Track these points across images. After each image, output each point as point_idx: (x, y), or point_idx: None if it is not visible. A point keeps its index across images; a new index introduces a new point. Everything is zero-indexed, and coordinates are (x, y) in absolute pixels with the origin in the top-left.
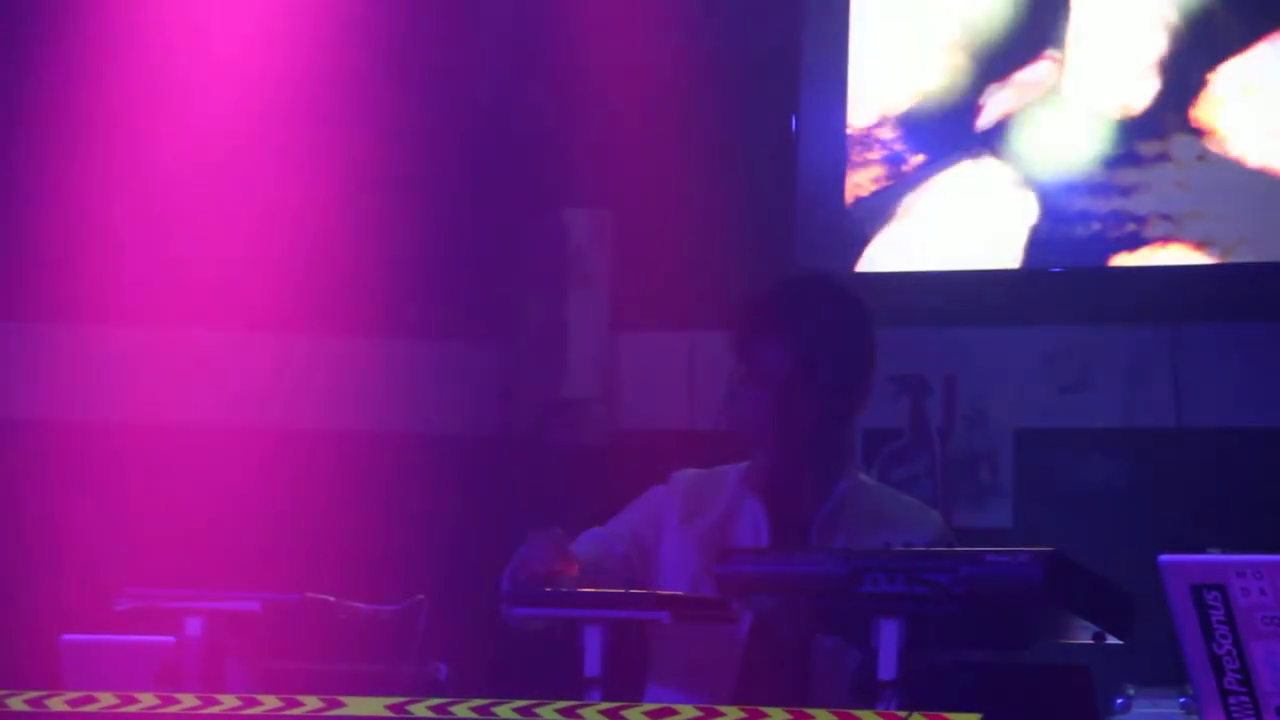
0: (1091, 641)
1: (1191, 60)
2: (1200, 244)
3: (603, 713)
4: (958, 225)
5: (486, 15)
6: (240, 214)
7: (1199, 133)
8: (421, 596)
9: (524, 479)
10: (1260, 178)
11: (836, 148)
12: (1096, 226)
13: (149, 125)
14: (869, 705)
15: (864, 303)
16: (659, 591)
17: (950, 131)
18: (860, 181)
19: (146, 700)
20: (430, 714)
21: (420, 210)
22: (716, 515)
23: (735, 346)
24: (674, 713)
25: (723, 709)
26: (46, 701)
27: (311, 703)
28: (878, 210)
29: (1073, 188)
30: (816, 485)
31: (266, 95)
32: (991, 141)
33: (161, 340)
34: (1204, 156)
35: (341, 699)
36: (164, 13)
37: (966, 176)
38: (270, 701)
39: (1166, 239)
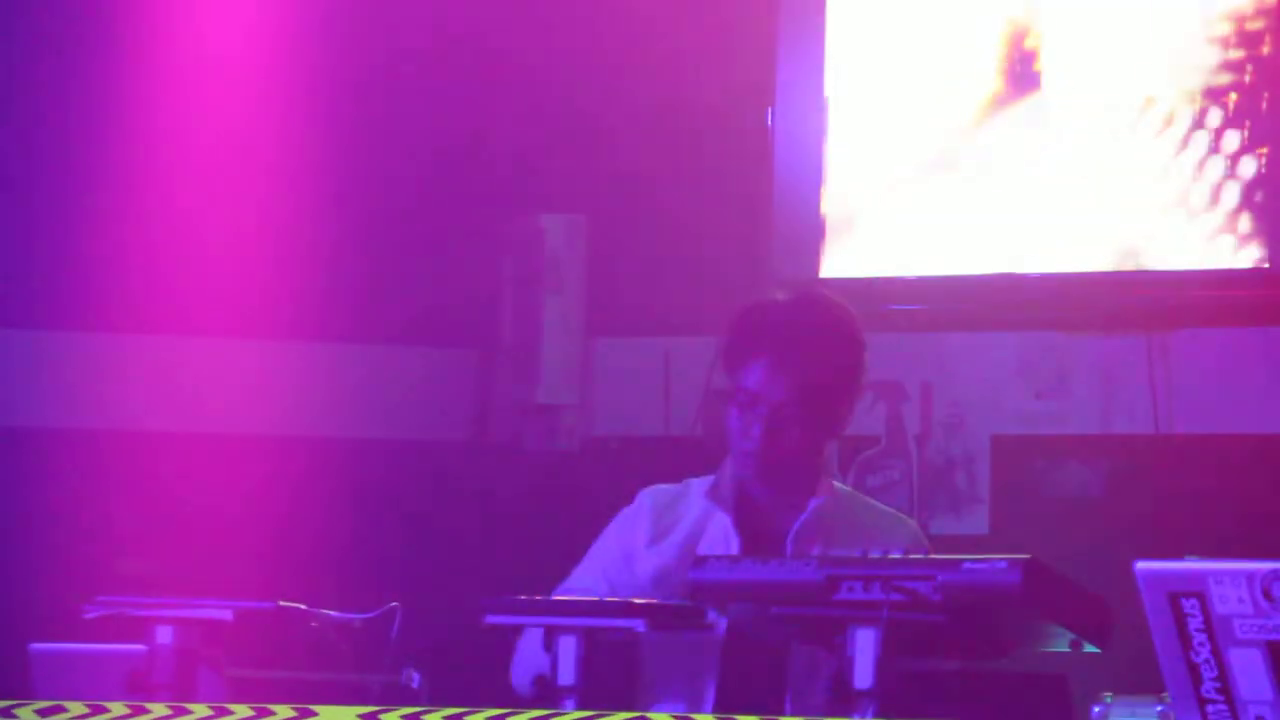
0: (1069, 649)
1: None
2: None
3: None
4: (935, 229)
5: (463, 21)
6: (217, 221)
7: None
8: (394, 604)
9: (499, 485)
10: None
11: (813, 150)
12: (1075, 233)
13: (130, 132)
14: (845, 713)
15: (856, 321)
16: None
17: (929, 134)
18: (837, 184)
19: (117, 710)
20: None
21: (395, 216)
22: (685, 532)
23: (723, 361)
24: None
25: (698, 717)
26: (16, 711)
27: (283, 711)
28: (855, 214)
29: (1051, 193)
30: (791, 501)
31: (249, 103)
32: (970, 144)
33: (135, 347)
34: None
35: (314, 708)
36: (140, 16)
37: (945, 180)
38: (242, 710)
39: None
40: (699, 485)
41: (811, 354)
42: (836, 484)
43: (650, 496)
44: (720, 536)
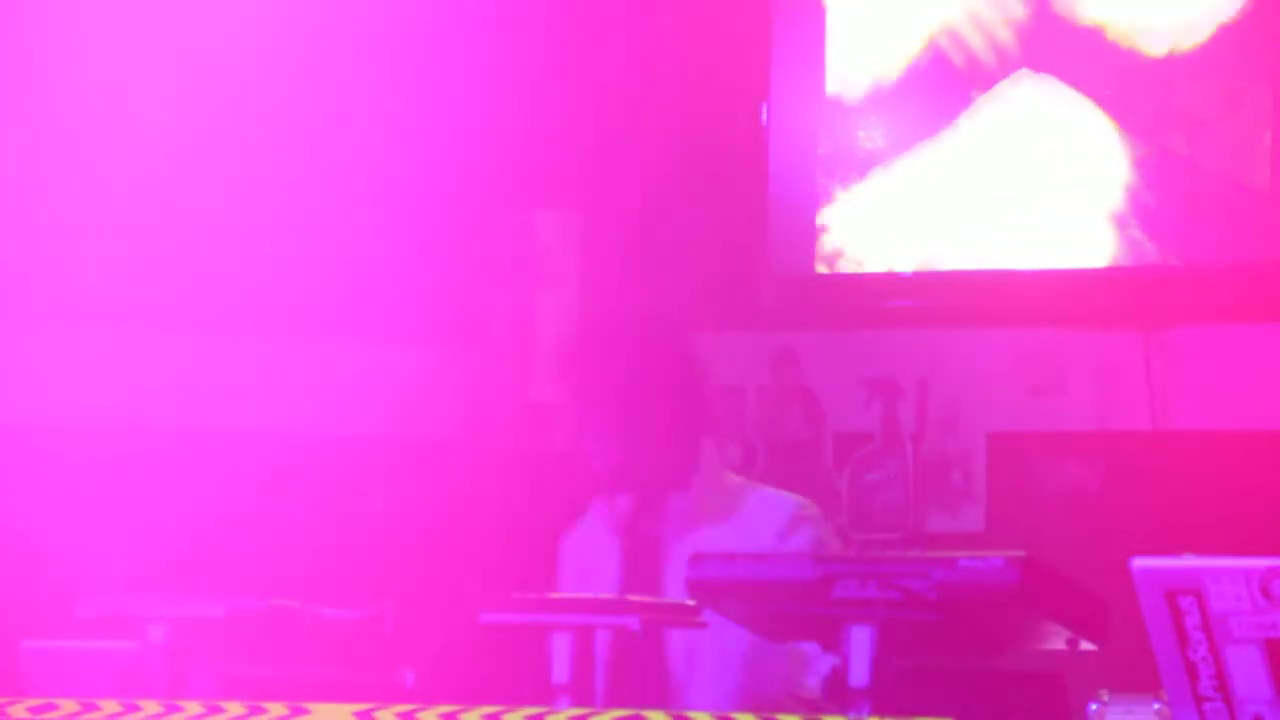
0: (1065, 647)
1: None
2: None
3: (570, 718)
4: (931, 225)
5: (455, 18)
6: (204, 217)
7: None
8: (388, 602)
9: (492, 483)
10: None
11: (808, 146)
12: (1071, 227)
13: (109, 125)
14: (841, 711)
15: (674, 325)
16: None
17: (925, 130)
18: (832, 181)
19: (109, 707)
20: None
21: (387, 213)
22: (585, 563)
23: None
24: (642, 718)
25: (692, 714)
26: (8, 709)
27: (276, 709)
28: (850, 210)
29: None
30: (662, 504)
31: (241, 101)
32: (967, 140)
33: (125, 343)
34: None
35: (307, 706)
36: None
37: (941, 176)
38: (234, 708)
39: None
40: (593, 511)
41: (638, 374)
42: (728, 476)
43: (566, 545)
44: (609, 558)
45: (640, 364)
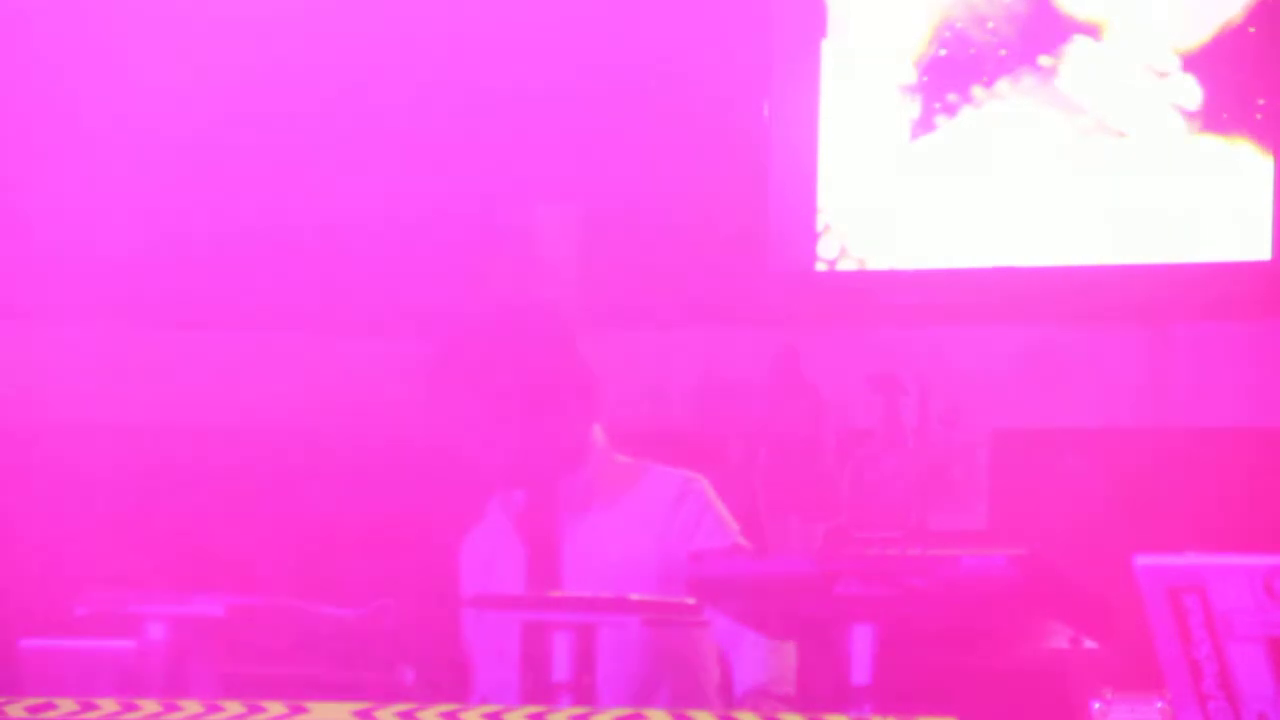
0: (1068, 644)
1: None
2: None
3: (571, 718)
4: (933, 222)
5: (458, 15)
6: (213, 218)
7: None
8: (388, 600)
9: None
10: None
11: (809, 144)
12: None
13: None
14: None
15: (549, 314)
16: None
17: (927, 126)
18: (834, 177)
19: (107, 706)
20: (397, 719)
21: (390, 208)
22: (487, 557)
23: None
24: (643, 718)
25: (692, 713)
26: (6, 708)
27: (276, 708)
28: (852, 206)
29: (1052, 186)
30: (560, 501)
31: (241, 99)
32: (972, 137)
33: (124, 340)
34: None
35: (306, 704)
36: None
37: (943, 172)
38: (233, 707)
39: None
40: (493, 507)
41: (514, 373)
42: (619, 458)
43: (465, 545)
44: (512, 552)
45: (519, 358)
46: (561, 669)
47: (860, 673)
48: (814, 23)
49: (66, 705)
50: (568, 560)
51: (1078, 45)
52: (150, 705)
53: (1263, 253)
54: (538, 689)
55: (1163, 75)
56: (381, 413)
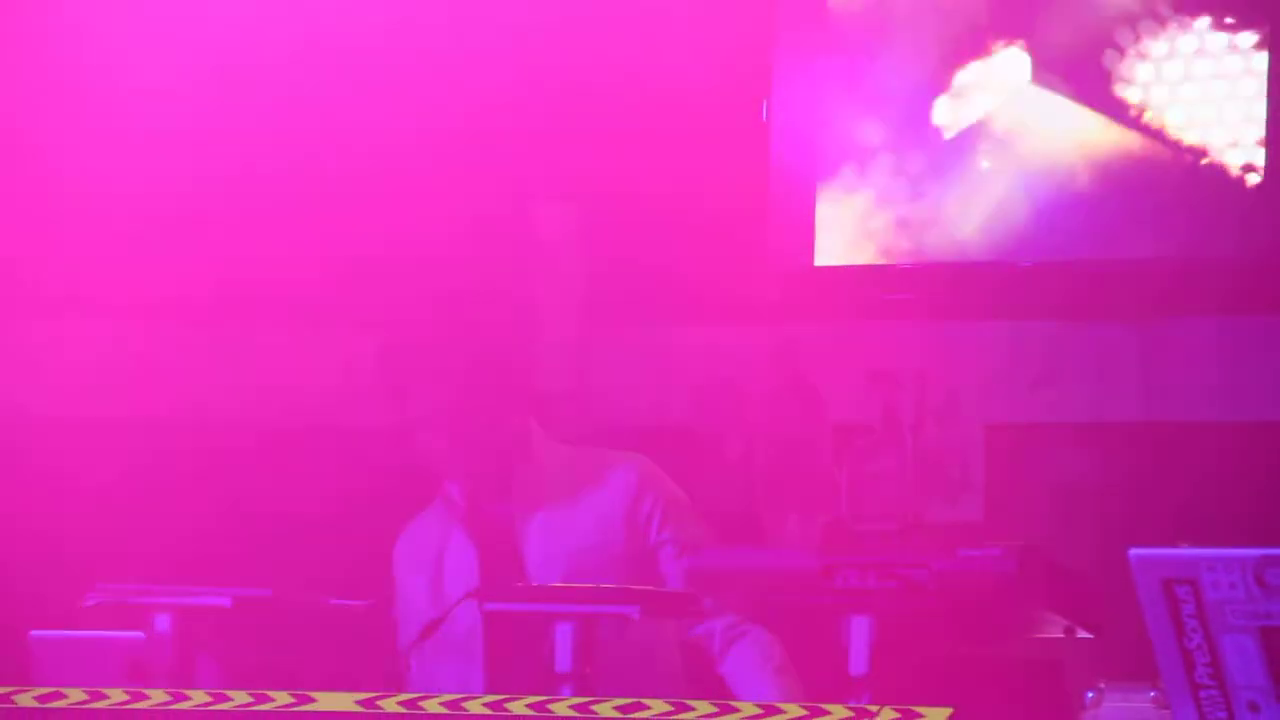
0: (1062, 635)
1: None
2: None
3: (573, 708)
4: (930, 217)
5: (455, 14)
6: (213, 217)
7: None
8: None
9: None
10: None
11: (809, 141)
12: (1070, 219)
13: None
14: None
15: (487, 304)
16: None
17: (922, 122)
18: (832, 172)
19: (116, 696)
20: (401, 709)
21: (392, 205)
22: (431, 554)
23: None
24: (645, 707)
25: (692, 703)
26: (15, 698)
27: (281, 698)
28: (850, 202)
29: (1046, 180)
30: (507, 494)
31: (246, 97)
32: (964, 130)
33: (129, 333)
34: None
35: (312, 694)
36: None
37: (939, 167)
38: (240, 697)
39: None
40: (436, 504)
41: (437, 372)
42: (559, 446)
43: (400, 541)
44: (460, 549)
45: (456, 348)
46: (564, 660)
47: (858, 663)
48: (815, 21)
49: (75, 695)
50: (526, 553)
51: (1074, 45)
52: (157, 695)
53: (1255, 248)
54: (505, 682)
55: (1155, 67)
56: (384, 404)
